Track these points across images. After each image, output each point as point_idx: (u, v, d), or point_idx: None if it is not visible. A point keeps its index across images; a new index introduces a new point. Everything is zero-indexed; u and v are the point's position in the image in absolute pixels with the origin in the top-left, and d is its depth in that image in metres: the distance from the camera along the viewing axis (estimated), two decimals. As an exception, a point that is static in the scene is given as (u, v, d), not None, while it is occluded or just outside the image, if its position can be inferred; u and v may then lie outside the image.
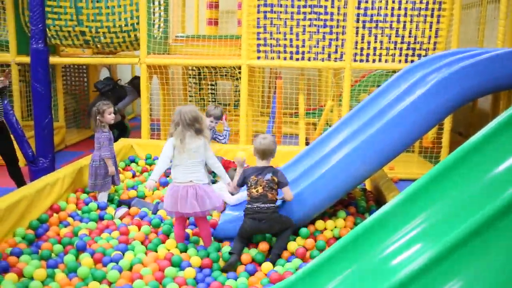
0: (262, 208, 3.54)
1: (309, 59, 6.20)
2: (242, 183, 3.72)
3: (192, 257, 3.52)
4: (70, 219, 4.18)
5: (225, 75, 7.94)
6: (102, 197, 4.55)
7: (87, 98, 9.20)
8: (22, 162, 5.48)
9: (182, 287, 3.17)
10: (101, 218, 4.27)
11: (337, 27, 6.09)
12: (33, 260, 3.36)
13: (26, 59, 6.30)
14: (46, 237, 3.81)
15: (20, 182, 5.02)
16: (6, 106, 5.49)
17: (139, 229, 3.95)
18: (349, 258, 2.67)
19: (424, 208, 2.69)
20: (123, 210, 4.36)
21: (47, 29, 6.29)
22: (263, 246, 3.62)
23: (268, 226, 3.57)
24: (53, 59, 6.44)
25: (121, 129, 7.52)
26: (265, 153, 3.67)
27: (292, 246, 3.67)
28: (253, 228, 3.57)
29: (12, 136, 5.34)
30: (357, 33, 6.06)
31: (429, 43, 6.06)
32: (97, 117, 4.58)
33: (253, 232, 3.61)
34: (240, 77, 6.36)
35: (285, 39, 6.17)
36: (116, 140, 7.27)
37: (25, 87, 7.39)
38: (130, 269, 3.36)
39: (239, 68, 6.35)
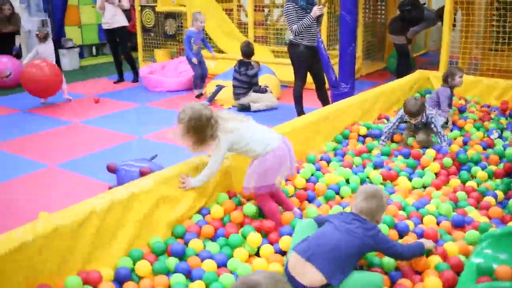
0: None
1: None
2: None
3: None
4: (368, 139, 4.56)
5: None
6: None
7: (382, 31, 9.43)
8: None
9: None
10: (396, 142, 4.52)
11: None
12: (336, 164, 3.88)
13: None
14: (345, 149, 4.26)
15: (325, 102, 5.64)
16: (319, 34, 6.07)
17: (434, 159, 4.01)
18: None
19: None
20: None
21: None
22: None
23: None
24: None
25: (402, 54, 7.42)
26: None
27: None
28: None
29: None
30: None
31: None
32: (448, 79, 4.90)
33: None
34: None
35: None
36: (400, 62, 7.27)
37: (328, 19, 7.94)
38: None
39: None
